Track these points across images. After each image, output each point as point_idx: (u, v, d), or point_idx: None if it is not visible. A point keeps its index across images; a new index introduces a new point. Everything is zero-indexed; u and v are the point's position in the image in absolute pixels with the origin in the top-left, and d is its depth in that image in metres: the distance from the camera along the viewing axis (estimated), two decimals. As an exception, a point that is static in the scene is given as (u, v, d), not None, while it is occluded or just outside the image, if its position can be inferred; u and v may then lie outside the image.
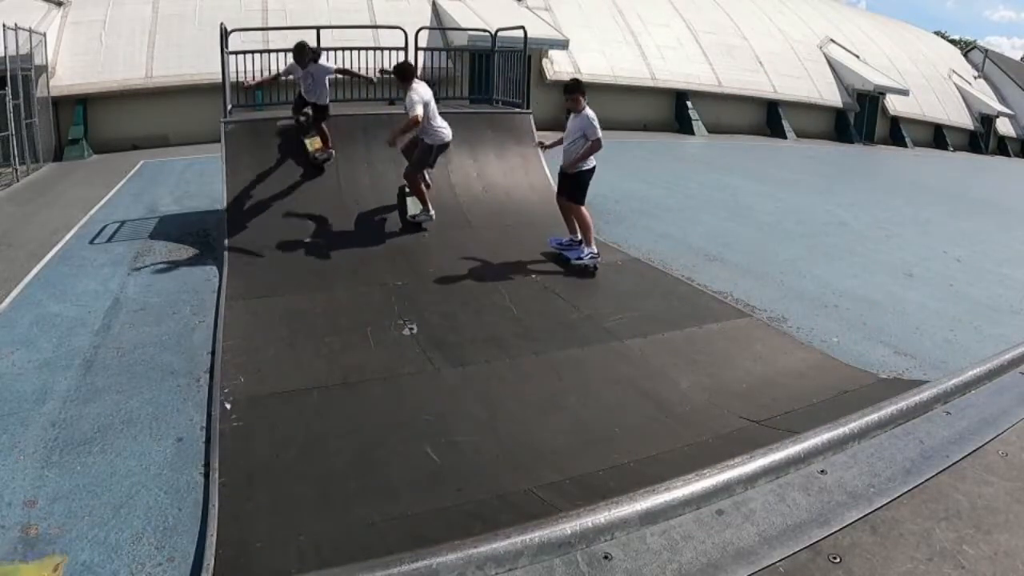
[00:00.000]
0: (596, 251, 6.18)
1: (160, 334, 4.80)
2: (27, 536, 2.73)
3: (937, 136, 25.20)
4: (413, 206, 7.02)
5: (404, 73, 6.53)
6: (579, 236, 6.28)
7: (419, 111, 6.18)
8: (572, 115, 6.08)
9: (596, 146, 5.94)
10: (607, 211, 8.63)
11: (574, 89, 6.00)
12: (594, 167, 6.13)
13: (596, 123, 5.91)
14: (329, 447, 3.42)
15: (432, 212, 6.84)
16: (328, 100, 7.18)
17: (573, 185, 6.18)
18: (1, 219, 8.03)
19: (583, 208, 6.23)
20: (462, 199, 7.41)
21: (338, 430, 3.57)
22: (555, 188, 7.89)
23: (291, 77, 7.23)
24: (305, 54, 6.87)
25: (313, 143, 7.37)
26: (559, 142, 6.20)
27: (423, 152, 6.60)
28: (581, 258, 6.13)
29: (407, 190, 7.12)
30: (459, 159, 7.69)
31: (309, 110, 7.31)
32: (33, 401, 3.81)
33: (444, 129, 6.59)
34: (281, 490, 3.06)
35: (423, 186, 6.77)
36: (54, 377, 4.10)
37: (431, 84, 6.92)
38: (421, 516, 2.87)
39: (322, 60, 7.12)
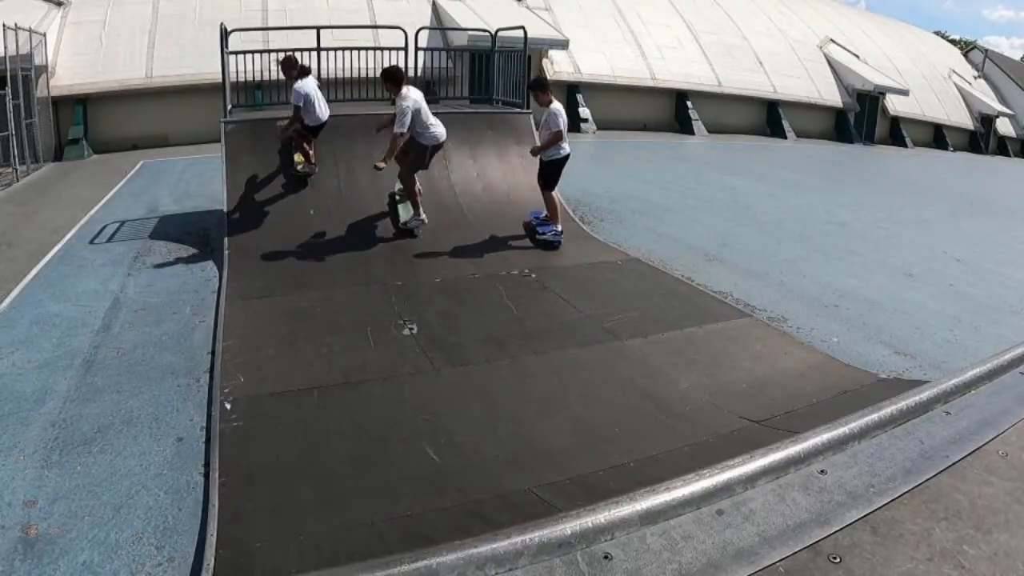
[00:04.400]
0: (560, 230, 6.89)
1: (160, 334, 4.80)
2: (27, 536, 2.73)
3: (937, 136, 25.20)
4: (404, 212, 6.99)
5: (394, 78, 6.36)
6: (544, 213, 7.05)
7: (407, 122, 6.16)
8: (541, 108, 6.80)
9: (556, 137, 6.60)
10: (607, 211, 8.63)
11: (536, 87, 6.89)
12: (565, 156, 6.72)
13: (559, 117, 6.53)
14: (329, 447, 3.42)
15: (424, 217, 6.78)
16: (313, 121, 6.87)
17: (542, 172, 6.92)
18: (1, 219, 8.02)
19: (552, 193, 6.92)
20: (462, 199, 7.41)
21: (338, 430, 3.57)
22: (558, 191, 8.09)
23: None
24: (287, 68, 6.90)
25: (297, 156, 7.29)
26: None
27: (418, 153, 6.54)
28: (544, 234, 6.86)
29: (398, 196, 7.12)
30: (459, 159, 7.69)
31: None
32: (33, 401, 3.81)
33: (438, 127, 6.53)
34: (281, 490, 3.06)
35: (416, 189, 6.73)
36: (54, 377, 4.10)
37: (431, 84, 6.96)
38: (421, 516, 2.87)
39: (306, 81, 6.77)
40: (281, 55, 7.35)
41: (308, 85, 6.70)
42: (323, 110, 6.91)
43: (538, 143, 6.96)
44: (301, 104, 6.65)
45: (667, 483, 2.01)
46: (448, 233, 6.85)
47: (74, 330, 4.83)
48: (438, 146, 6.66)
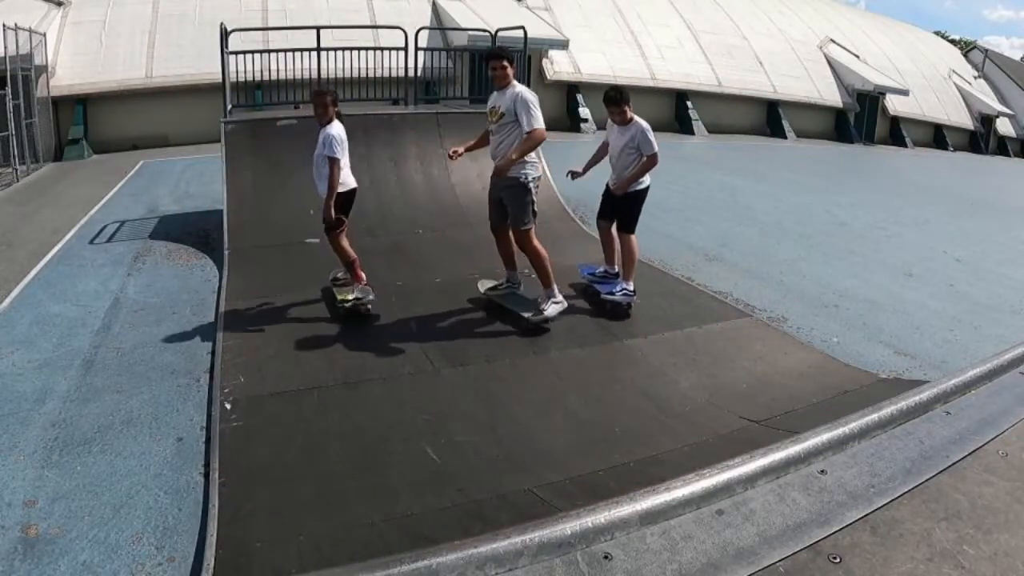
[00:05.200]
0: (633, 289, 5.22)
1: (160, 334, 4.80)
2: (27, 536, 2.73)
3: (937, 136, 25.21)
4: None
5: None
6: (616, 268, 5.50)
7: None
8: (616, 126, 5.22)
9: (652, 162, 5.11)
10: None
11: (618, 100, 5.08)
12: (648, 186, 5.26)
13: (652, 135, 5.09)
14: (329, 447, 3.42)
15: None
16: (345, 185, 4.93)
17: (622, 208, 5.28)
18: (1, 219, 8.02)
19: (633, 237, 5.30)
20: (462, 199, 7.40)
21: (338, 430, 3.57)
22: (557, 190, 7.93)
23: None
24: (324, 105, 4.83)
25: (342, 292, 5.14)
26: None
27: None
28: (613, 294, 5.20)
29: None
30: (459, 159, 7.67)
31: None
32: (33, 401, 3.81)
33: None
34: (281, 490, 3.06)
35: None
36: (54, 377, 4.10)
37: (430, 84, 6.80)
38: (421, 516, 2.87)
39: (339, 127, 4.89)
40: (280, 54, 7.19)
41: (342, 132, 4.90)
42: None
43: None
44: (342, 157, 4.83)
45: (667, 483, 2.01)
46: (448, 233, 6.85)
47: (74, 330, 4.83)
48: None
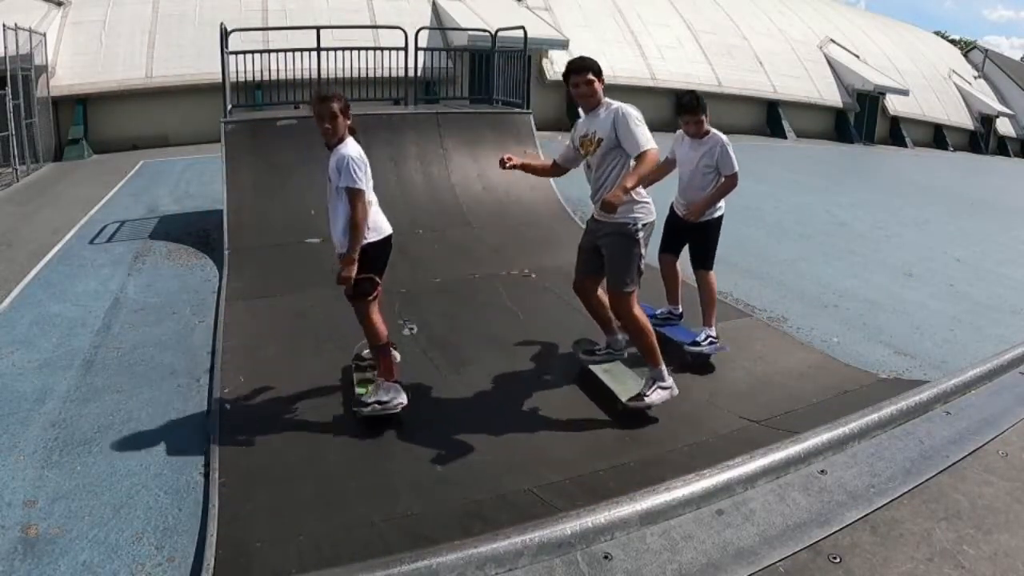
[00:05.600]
0: (717, 334, 4.46)
1: (160, 334, 4.80)
2: (27, 536, 2.73)
3: (937, 136, 25.20)
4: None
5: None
6: (680, 308, 4.76)
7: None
8: (688, 139, 4.39)
9: (731, 183, 4.33)
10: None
11: (695, 108, 4.25)
12: (723, 213, 4.49)
13: (732, 151, 4.30)
14: (329, 447, 3.42)
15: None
16: (378, 231, 3.57)
17: (697, 240, 4.49)
18: (1, 219, 8.03)
19: (712, 275, 4.49)
20: (462, 199, 7.40)
21: (338, 430, 3.57)
22: (558, 192, 7.89)
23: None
24: (334, 114, 3.39)
25: (363, 384, 3.79)
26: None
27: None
28: (698, 344, 4.38)
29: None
30: (459, 159, 7.69)
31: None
32: (33, 401, 3.81)
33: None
34: (281, 490, 3.06)
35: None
36: (54, 377, 4.10)
37: (430, 84, 6.72)
38: (421, 516, 2.87)
39: (347, 146, 3.44)
40: (280, 54, 7.12)
41: (363, 154, 3.49)
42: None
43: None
44: (366, 186, 3.43)
45: (667, 483, 2.01)
46: (448, 233, 6.85)
47: (74, 330, 4.83)
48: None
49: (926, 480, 2.19)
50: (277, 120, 7.57)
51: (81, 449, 3.37)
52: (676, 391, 3.73)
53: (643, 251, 3.69)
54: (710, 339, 4.42)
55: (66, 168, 12.24)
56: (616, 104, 3.64)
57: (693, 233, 4.46)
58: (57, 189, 10.11)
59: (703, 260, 4.49)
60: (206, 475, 3.16)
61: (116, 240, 7.18)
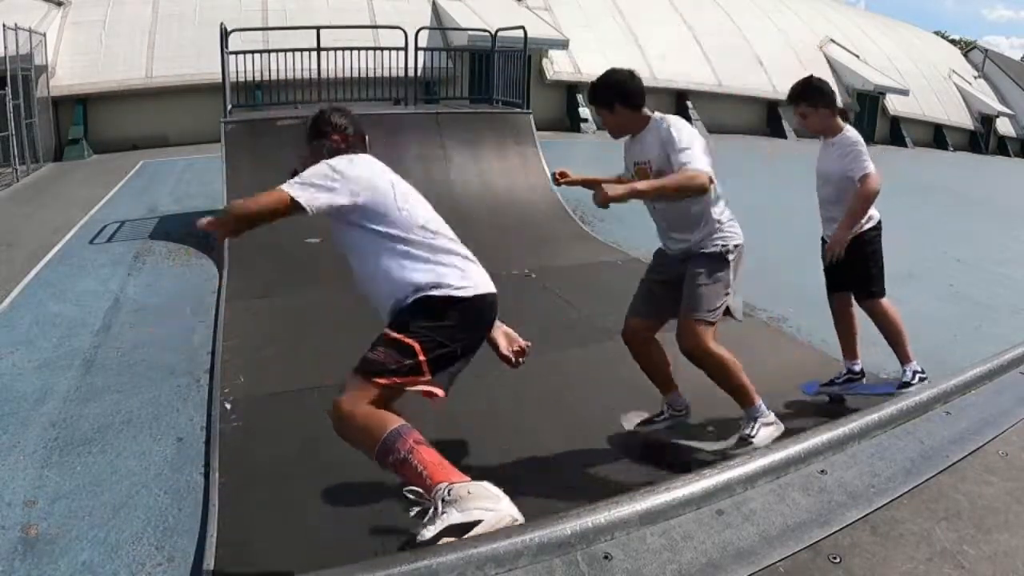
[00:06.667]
0: (920, 368, 3.71)
1: (160, 334, 4.80)
2: (27, 536, 2.73)
3: (937, 136, 25.20)
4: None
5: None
6: (859, 364, 3.87)
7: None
8: (823, 142, 3.72)
9: (866, 189, 3.45)
10: (605, 211, 8.61)
11: (829, 102, 3.58)
12: (879, 221, 3.72)
13: (864, 148, 3.52)
14: (329, 447, 3.41)
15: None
16: (469, 286, 2.62)
17: (857, 265, 3.65)
18: (1, 219, 8.03)
19: (885, 302, 3.71)
20: (462, 199, 7.40)
21: (338, 430, 3.57)
22: (557, 192, 7.88)
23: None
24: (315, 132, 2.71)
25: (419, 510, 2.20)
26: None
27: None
28: (910, 383, 3.64)
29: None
30: (459, 159, 7.69)
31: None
32: (33, 401, 3.81)
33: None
34: (281, 490, 3.05)
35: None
36: (54, 377, 4.10)
37: (430, 84, 6.76)
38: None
39: (368, 159, 2.64)
40: (280, 54, 7.14)
41: (375, 168, 2.60)
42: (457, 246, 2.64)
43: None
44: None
45: (667, 483, 2.00)
46: (448, 233, 6.83)
47: (74, 330, 4.83)
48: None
49: (926, 480, 2.19)
50: (277, 120, 7.58)
51: (81, 449, 3.37)
52: (782, 427, 3.08)
53: (732, 279, 3.10)
54: (918, 374, 3.63)
55: (66, 168, 12.24)
56: (657, 116, 3.17)
57: (850, 257, 3.61)
58: (57, 189, 10.11)
59: (867, 289, 3.67)
60: (206, 475, 3.16)
61: (116, 240, 7.18)
